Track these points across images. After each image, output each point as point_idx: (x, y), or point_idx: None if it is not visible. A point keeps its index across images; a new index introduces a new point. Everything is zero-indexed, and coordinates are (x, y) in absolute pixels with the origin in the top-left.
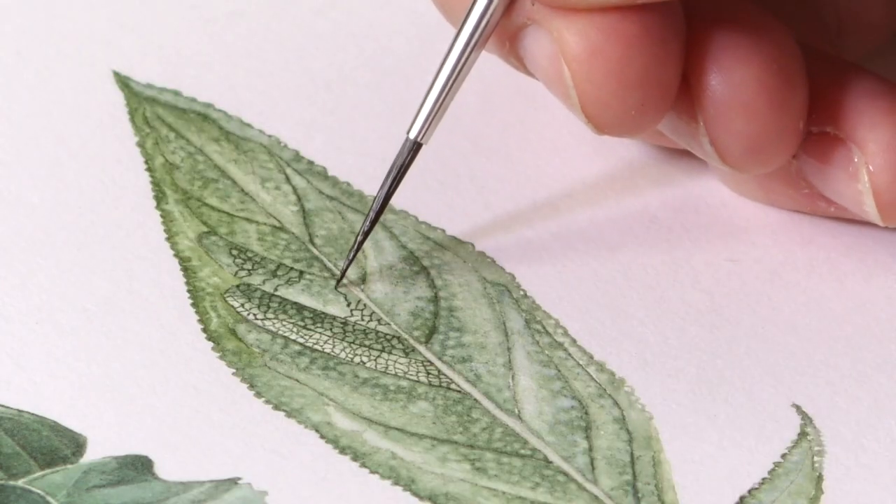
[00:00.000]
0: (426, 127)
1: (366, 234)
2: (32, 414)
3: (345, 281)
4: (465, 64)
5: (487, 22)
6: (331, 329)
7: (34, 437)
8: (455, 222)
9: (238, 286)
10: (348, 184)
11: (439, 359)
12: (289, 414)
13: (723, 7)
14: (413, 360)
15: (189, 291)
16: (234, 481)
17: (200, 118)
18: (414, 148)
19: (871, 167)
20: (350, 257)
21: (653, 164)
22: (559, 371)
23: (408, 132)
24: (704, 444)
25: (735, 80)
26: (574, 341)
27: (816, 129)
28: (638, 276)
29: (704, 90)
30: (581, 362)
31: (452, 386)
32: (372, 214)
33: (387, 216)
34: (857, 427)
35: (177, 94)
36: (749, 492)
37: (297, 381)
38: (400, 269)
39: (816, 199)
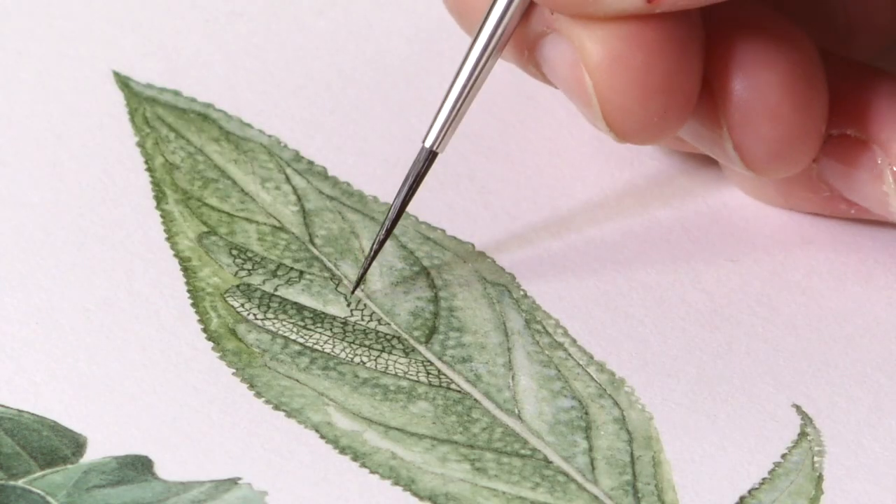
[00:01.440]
0: (442, 136)
1: (381, 244)
2: (32, 414)
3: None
4: (481, 72)
5: (504, 30)
6: (331, 329)
7: (34, 437)
8: (455, 222)
9: (238, 286)
10: (348, 184)
11: (439, 359)
12: (289, 414)
13: (742, 13)
14: (413, 360)
15: (189, 291)
16: (234, 481)
17: (200, 118)
18: (430, 157)
19: (895, 168)
20: (365, 265)
21: (653, 165)
22: (559, 371)
23: (423, 141)
24: (704, 444)
25: (760, 84)
26: (574, 341)
27: (837, 132)
28: (638, 276)
29: (729, 95)
30: (581, 362)
31: (452, 386)
32: (388, 224)
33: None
34: (858, 427)
35: (177, 94)
36: (749, 492)
37: (296, 381)
38: (400, 269)
39: (837, 201)
